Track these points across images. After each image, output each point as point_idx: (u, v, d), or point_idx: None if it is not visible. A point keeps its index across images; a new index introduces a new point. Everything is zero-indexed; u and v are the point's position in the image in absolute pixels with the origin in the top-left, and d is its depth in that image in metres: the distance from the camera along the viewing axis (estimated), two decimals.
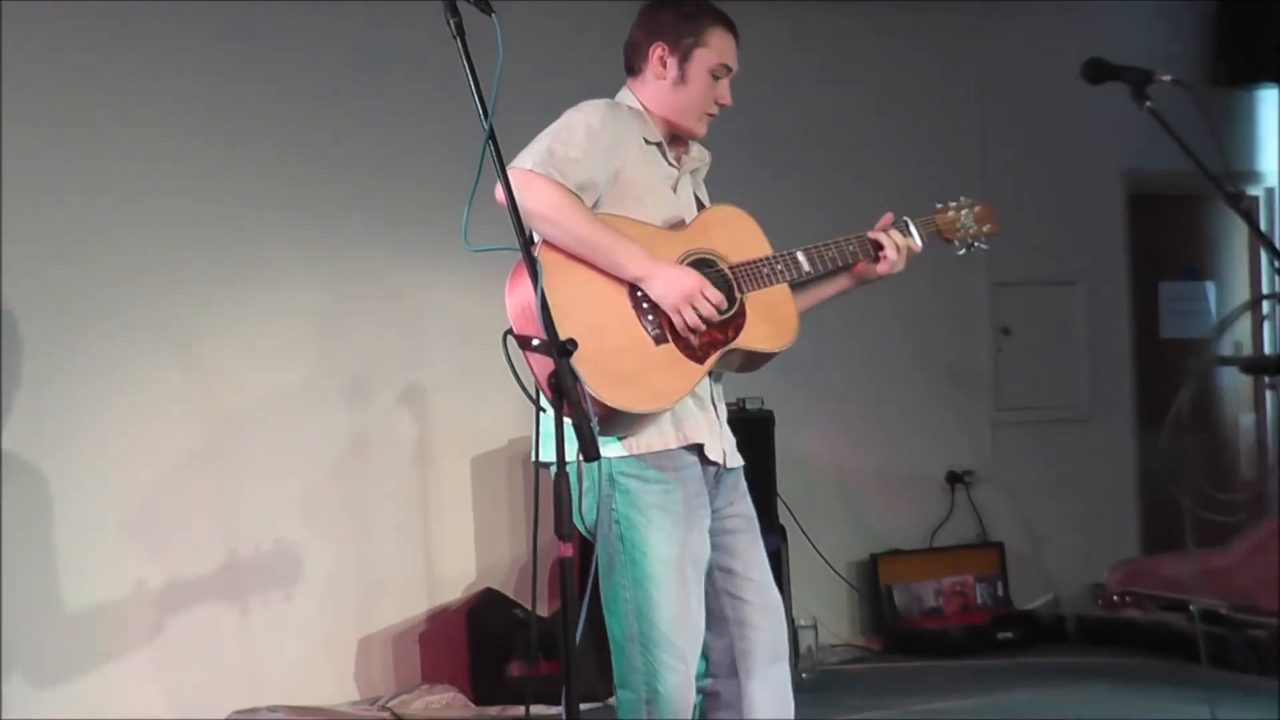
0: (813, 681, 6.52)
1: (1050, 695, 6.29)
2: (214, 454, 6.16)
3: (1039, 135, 7.74)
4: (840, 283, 3.65)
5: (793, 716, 3.54)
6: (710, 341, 3.38)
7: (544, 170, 3.25)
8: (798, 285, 3.55)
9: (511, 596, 6.49)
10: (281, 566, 6.21)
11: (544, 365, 3.11)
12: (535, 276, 2.89)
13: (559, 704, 2.88)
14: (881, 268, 3.58)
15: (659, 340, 3.33)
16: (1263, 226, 8.08)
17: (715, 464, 3.45)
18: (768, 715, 3.47)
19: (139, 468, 6.02)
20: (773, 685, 3.50)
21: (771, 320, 3.46)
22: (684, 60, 3.48)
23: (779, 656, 3.52)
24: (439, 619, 6.47)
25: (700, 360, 3.36)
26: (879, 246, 3.58)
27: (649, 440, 3.34)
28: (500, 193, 3.02)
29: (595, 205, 3.37)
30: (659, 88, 3.50)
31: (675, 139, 3.56)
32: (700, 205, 3.62)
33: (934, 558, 7.44)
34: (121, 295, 6.01)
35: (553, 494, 2.87)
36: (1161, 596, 7.14)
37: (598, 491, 3.32)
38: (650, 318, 3.34)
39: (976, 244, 3.76)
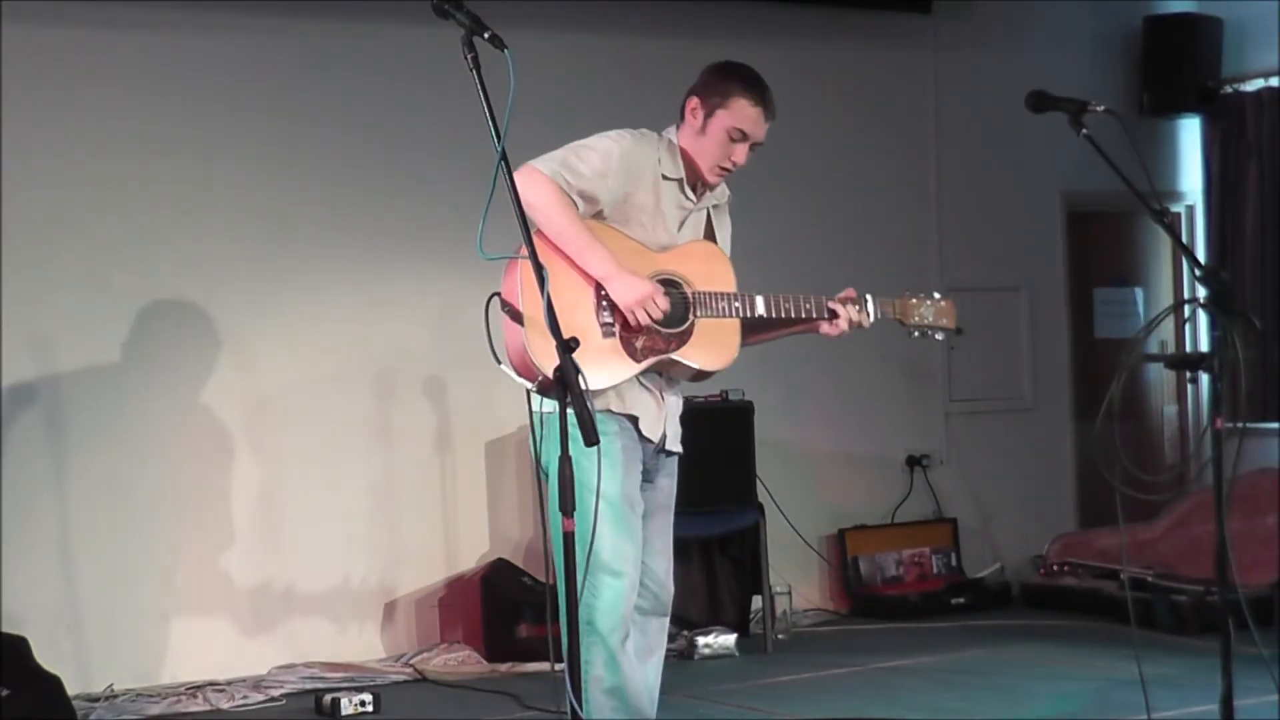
0: (787, 641, 6.52)
1: (997, 653, 6.29)
2: (257, 438, 6.16)
3: (988, 158, 7.73)
4: (794, 328, 3.73)
5: (658, 665, 3.66)
6: (651, 347, 3.50)
7: (549, 172, 3.40)
8: (756, 326, 3.66)
9: (521, 566, 6.49)
10: (316, 538, 6.21)
11: (514, 333, 3.35)
12: (542, 282, 2.92)
13: (563, 661, 2.90)
14: (831, 331, 3.68)
15: (606, 334, 3.46)
16: (1184, 239, 8.08)
17: (650, 441, 3.58)
18: (636, 660, 3.58)
19: (190, 450, 6.01)
20: (643, 633, 3.63)
21: (713, 344, 3.57)
22: (708, 115, 3.58)
23: (655, 612, 3.65)
24: (456, 585, 6.46)
25: (637, 360, 3.50)
26: (834, 313, 3.67)
27: (596, 402, 3.43)
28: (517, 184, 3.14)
29: (599, 215, 3.48)
30: (689, 133, 3.62)
31: (697, 176, 3.65)
32: (712, 235, 3.70)
33: (895, 532, 7.43)
34: (175, 298, 6.01)
35: (557, 475, 2.89)
36: (1095, 566, 7.15)
37: (553, 437, 3.37)
38: (606, 316, 3.46)
39: (931, 334, 3.83)
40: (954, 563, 7.50)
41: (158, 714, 5.54)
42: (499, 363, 3.43)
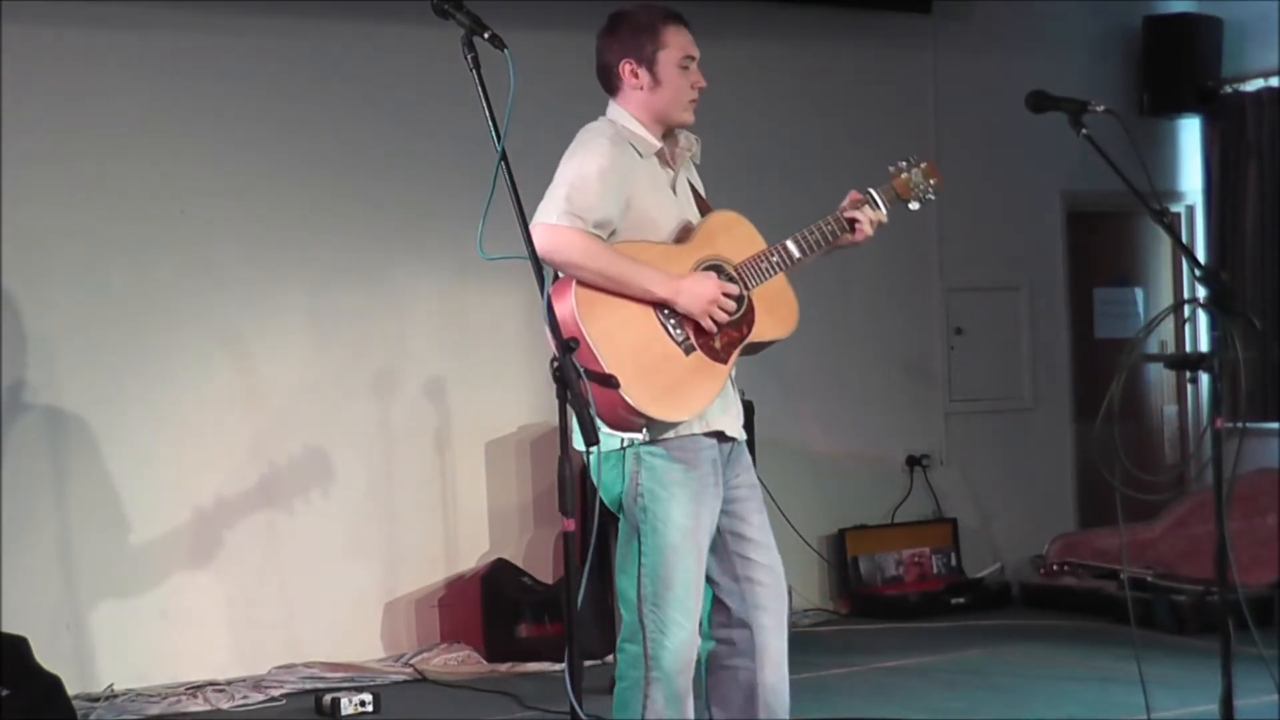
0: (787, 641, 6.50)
1: (997, 653, 6.29)
2: (256, 438, 6.16)
3: (988, 158, 7.73)
4: (826, 249, 3.64)
5: (785, 653, 3.58)
6: (729, 341, 3.41)
7: (567, 221, 3.27)
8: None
9: (521, 566, 6.49)
10: (317, 539, 6.21)
11: (599, 394, 3.12)
12: (541, 282, 2.92)
13: (562, 661, 2.88)
14: (856, 237, 3.61)
15: (688, 350, 3.36)
16: (1184, 239, 8.08)
17: (732, 440, 3.49)
18: (777, 663, 3.53)
19: (190, 450, 6.01)
20: (780, 635, 3.55)
21: (776, 311, 3.50)
22: (652, 65, 3.46)
23: (783, 609, 3.57)
24: (456, 585, 6.46)
25: (724, 360, 3.40)
26: (853, 221, 3.61)
27: (675, 426, 3.36)
28: (540, 246, 3.09)
29: (612, 235, 3.38)
30: (639, 97, 3.48)
31: (667, 135, 3.54)
32: (695, 194, 3.60)
33: (895, 532, 7.43)
34: (174, 297, 6.02)
35: (556, 475, 2.88)
36: (1095, 566, 7.15)
37: (625, 467, 3.35)
38: (677, 331, 3.36)
39: (927, 196, 3.77)
40: (954, 563, 7.50)
41: (158, 714, 5.54)
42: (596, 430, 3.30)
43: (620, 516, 3.43)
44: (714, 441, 3.44)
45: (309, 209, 6.27)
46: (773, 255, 3.48)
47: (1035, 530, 7.58)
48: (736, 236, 3.51)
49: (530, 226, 3.18)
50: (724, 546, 3.50)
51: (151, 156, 5.99)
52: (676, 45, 3.48)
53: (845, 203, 3.64)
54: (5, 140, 5.66)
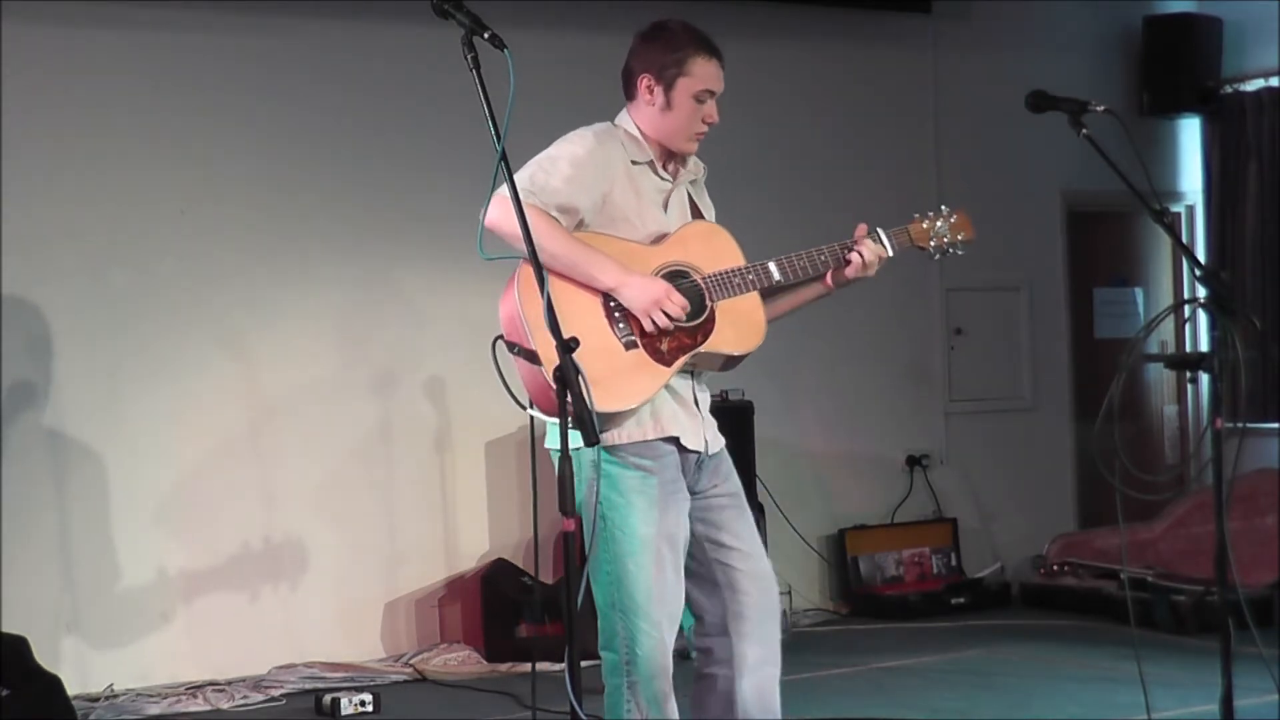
0: (787, 642, 6.47)
1: (997, 653, 6.29)
2: (256, 438, 6.16)
3: (988, 158, 7.74)
4: (815, 289, 3.55)
5: (778, 669, 3.53)
6: (678, 346, 3.34)
7: (524, 197, 3.14)
8: (773, 292, 3.48)
9: (520, 566, 6.49)
10: (316, 539, 6.21)
11: (533, 374, 3.17)
12: (542, 282, 2.90)
13: (562, 661, 2.89)
14: (850, 271, 3.49)
15: (629, 346, 3.30)
16: (1184, 239, 8.08)
17: (695, 452, 3.42)
18: (755, 669, 3.46)
19: (190, 450, 6.02)
20: (762, 642, 3.48)
21: (739, 326, 3.41)
22: (669, 89, 3.41)
23: (769, 616, 3.50)
24: (456, 585, 6.46)
25: (667, 364, 3.33)
26: (849, 254, 3.48)
27: (629, 432, 3.32)
28: (489, 217, 3.13)
29: (581, 225, 3.33)
30: (649, 113, 3.44)
31: (671, 153, 3.49)
32: (698, 213, 3.55)
33: (895, 532, 7.43)
34: (175, 297, 6.02)
35: (556, 476, 2.88)
36: (1094, 566, 7.15)
37: (584, 473, 3.32)
38: (621, 326, 3.31)
39: (952, 250, 3.62)
40: (954, 563, 7.50)
41: (158, 714, 5.54)
42: (525, 408, 3.29)
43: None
44: (673, 448, 3.37)
45: (309, 209, 6.28)
46: (748, 273, 3.41)
47: (1035, 530, 7.58)
48: (713, 246, 3.44)
49: (493, 194, 3.15)
50: (702, 555, 3.44)
51: (152, 156, 5.99)
52: (699, 77, 3.41)
53: (853, 237, 3.52)
54: (5, 140, 5.66)
